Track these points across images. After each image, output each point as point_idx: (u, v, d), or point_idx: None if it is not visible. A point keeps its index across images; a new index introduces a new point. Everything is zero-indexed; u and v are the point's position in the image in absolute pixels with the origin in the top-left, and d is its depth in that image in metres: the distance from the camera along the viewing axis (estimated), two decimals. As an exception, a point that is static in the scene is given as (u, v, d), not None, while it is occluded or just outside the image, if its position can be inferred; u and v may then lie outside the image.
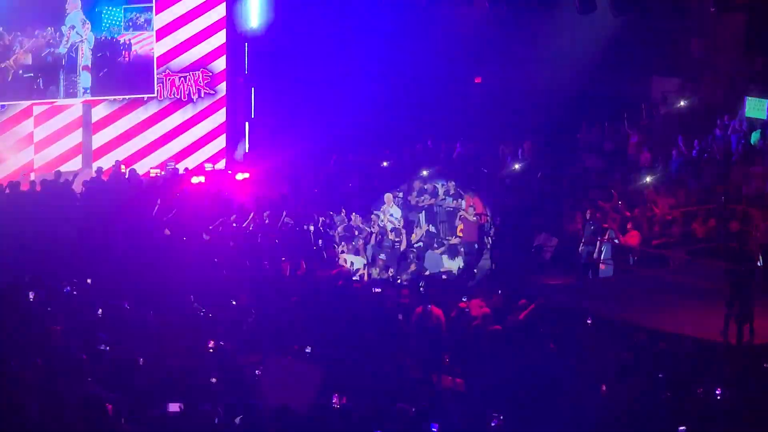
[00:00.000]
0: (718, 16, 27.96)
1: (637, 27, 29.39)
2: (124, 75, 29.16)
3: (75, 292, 18.26)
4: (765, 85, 29.04)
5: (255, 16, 30.48)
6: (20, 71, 27.67)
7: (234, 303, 18.46)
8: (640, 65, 31.33)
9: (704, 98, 30.22)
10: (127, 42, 29.09)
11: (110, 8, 28.84)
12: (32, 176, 27.31)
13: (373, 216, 26.01)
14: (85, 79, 28.56)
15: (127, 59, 29.13)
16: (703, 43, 31.11)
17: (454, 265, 25.26)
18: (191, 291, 18.17)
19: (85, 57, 28.50)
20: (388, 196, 26.68)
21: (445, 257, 25.37)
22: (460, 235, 26.10)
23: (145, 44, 29.39)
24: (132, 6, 29.11)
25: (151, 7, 29.31)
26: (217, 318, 17.50)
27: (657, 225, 24.92)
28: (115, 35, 28.95)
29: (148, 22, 29.32)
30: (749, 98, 28.85)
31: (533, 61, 31.47)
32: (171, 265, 20.40)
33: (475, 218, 25.70)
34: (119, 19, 29.00)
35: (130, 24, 29.16)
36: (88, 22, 28.48)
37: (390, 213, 26.28)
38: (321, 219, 25.23)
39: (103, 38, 28.79)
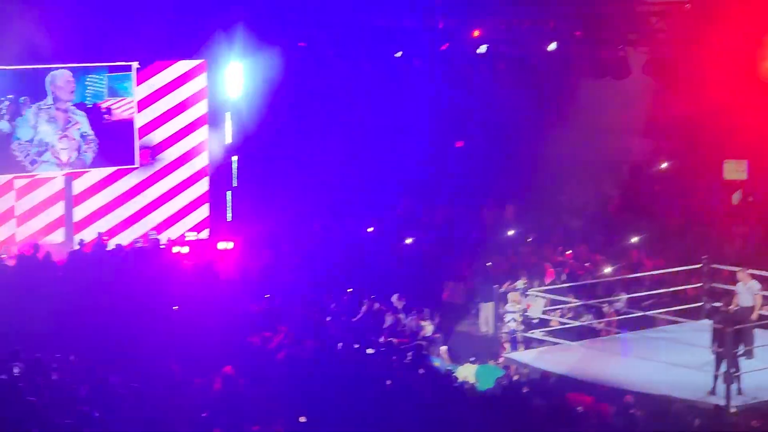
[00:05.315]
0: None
1: (615, 89, 29.46)
2: (105, 146, 29.19)
3: (59, 366, 18.12)
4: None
5: (236, 85, 30.55)
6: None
7: (224, 372, 18.32)
8: (620, 127, 31.42)
9: (686, 160, 30.27)
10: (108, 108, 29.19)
11: (94, 76, 28.99)
12: (14, 249, 27.19)
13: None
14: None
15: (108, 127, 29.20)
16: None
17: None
18: (179, 361, 18.07)
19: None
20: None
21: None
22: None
23: (125, 111, 29.44)
24: (114, 74, 29.21)
25: (131, 75, 29.43)
26: (207, 388, 17.37)
27: (644, 286, 24.86)
28: (97, 101, 29.05)
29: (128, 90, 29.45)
30: (727, 161, 28.85)
31: (513, 126, 31.55)
32: (158, 337, 20.24)
33: None
34: (102, 86, 29.11)
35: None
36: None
37: None
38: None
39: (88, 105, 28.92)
